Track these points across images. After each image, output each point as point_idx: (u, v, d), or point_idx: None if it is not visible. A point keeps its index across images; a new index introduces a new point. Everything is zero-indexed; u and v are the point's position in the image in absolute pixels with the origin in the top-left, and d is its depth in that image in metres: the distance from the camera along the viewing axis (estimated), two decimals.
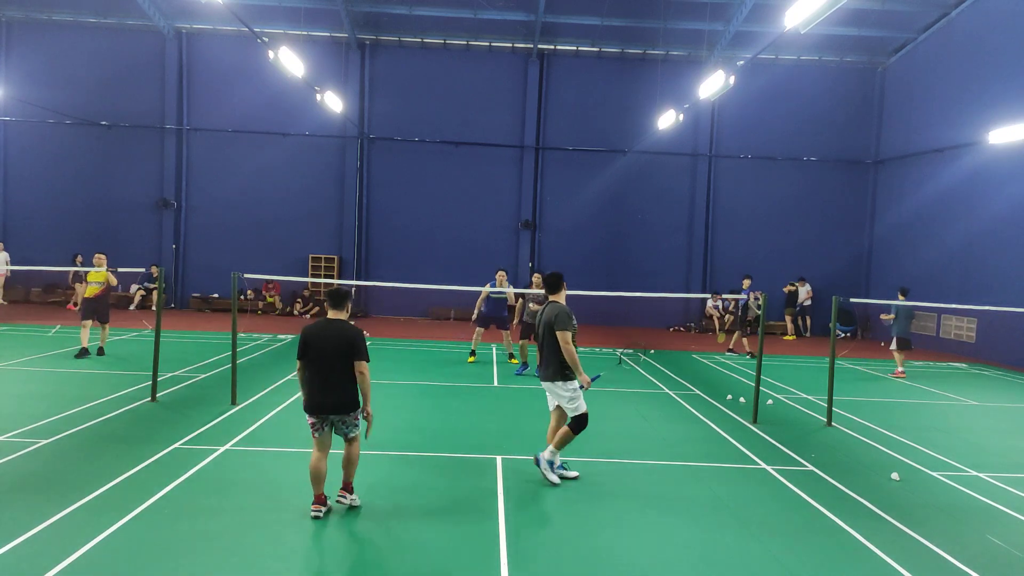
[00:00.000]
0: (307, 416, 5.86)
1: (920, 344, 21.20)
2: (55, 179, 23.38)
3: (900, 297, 15.37)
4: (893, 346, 15.31)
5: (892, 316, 15.42)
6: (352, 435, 5.96)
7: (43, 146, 23.31)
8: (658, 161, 24.06)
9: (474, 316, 14.80)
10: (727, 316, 23.15)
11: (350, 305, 6.10)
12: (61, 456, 7.17)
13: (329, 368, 5.73)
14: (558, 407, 7.18)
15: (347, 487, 6.06)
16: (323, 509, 5.80)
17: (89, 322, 13.25)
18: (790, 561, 5.42)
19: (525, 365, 13.58)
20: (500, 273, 14.37)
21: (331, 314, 5.93)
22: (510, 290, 14.35)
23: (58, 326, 14.56)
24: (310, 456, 5.90)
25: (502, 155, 23.97)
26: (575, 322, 7.02)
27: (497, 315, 14.49)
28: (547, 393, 7.26)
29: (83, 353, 13.12)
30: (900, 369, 15.14)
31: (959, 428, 10.56)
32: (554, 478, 6.95)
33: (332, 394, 5.76)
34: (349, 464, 6.03)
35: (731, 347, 17.95)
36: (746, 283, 17.52)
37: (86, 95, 22.94)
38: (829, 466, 7.98)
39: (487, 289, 14.29)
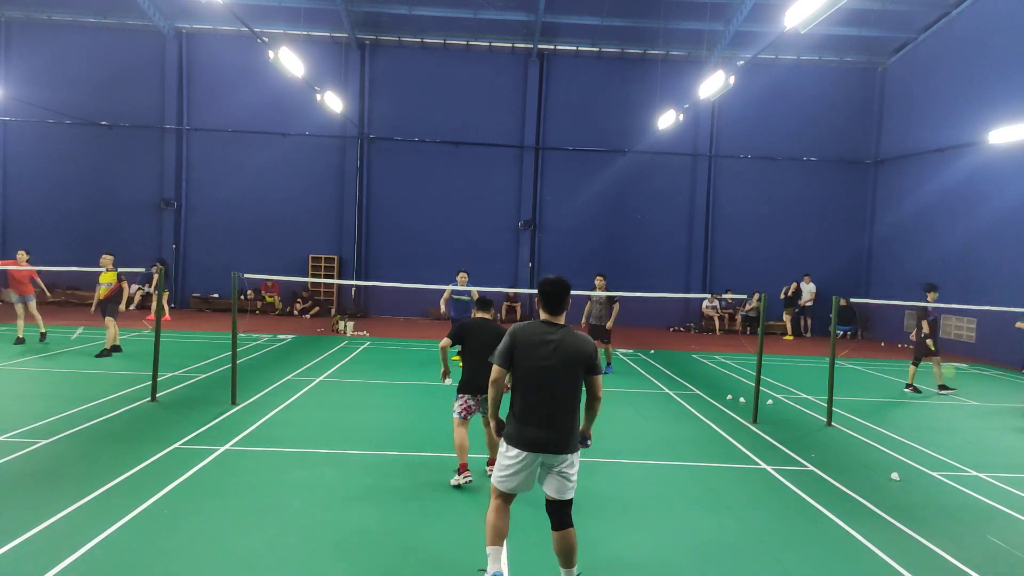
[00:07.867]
0: (462, 395, 6.85)
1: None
2: (55, 179, 23.37)
3: None
4: None
5: None
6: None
7: (43, 146, 23.30)
8: (658, 161, 24.06)
9: (441, 310, 14.46)
10: (737, 317, 23.15)
11: (493, 310, 7.36)
12: (61, 456, 7.16)
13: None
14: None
15: (492, 463, 6.94)
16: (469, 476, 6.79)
17: (113, 320, 13.45)
18: (790, 561, 5.41)
19: (609, 365, 13.99)
20: (462, 274, 13.81)
21: (478, 314, 7.18)
22: (475, 290, 13.67)
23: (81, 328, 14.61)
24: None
25: (502, 155, 23.97)
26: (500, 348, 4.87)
27: (463, 318, 14.00)
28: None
29: (116, 348, 13.44)
30: None
31: (959, 428, 10.55)
32: None
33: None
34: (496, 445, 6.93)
35: (942, 384, 13.39)
36: (932, 296, 12.74)
37: (86, 95, 22.94)
38: (829, 466, 7.98)
39: (449, 289, 13.86)
